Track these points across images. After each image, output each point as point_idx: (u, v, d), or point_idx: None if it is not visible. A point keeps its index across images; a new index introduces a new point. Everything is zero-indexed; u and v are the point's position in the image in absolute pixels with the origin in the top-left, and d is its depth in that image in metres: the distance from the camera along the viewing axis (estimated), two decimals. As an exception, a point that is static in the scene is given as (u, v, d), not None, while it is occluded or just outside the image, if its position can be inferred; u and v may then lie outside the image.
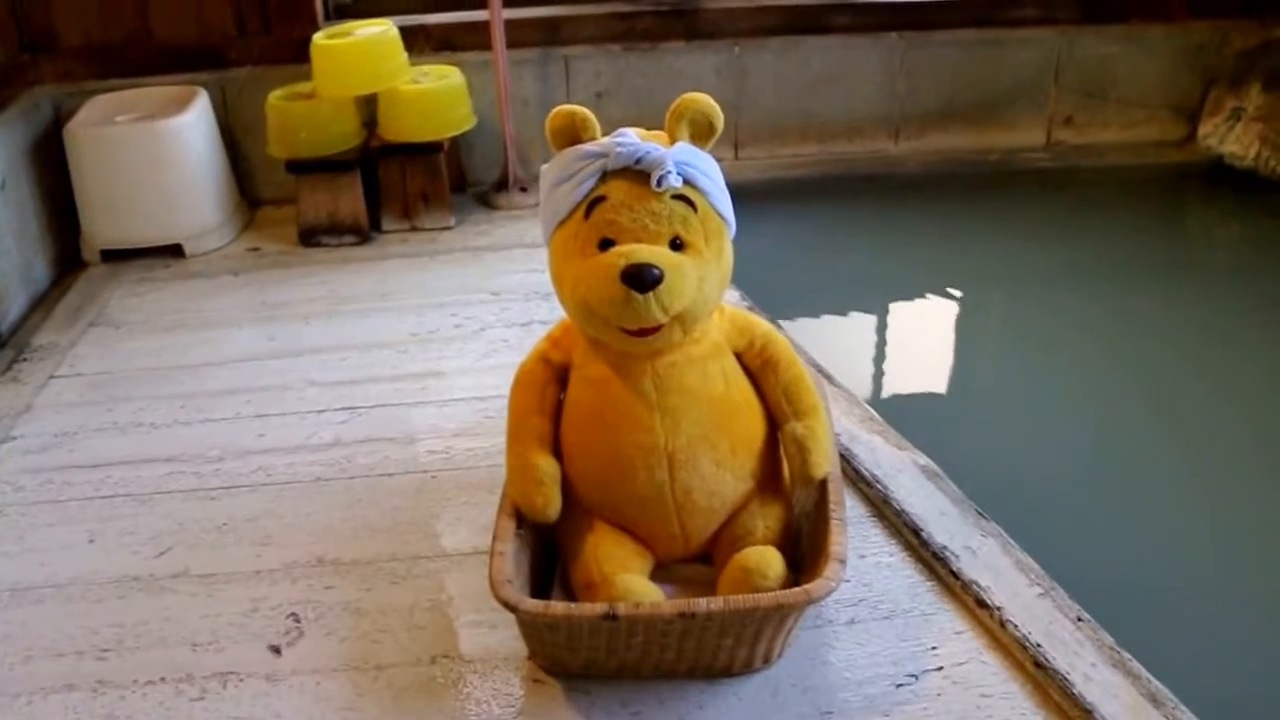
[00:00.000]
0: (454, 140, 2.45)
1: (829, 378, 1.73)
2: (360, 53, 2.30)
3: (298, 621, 1.31)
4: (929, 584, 1.32)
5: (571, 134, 1.22)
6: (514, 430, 1.28)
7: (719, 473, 1.24)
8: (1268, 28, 2.64)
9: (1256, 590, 1.45)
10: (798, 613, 1.15)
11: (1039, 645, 1.19)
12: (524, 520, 1.24)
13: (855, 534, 1.38)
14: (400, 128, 2.36)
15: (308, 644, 1.27)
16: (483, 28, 2.41)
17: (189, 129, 2.31)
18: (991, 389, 1.98)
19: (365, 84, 2.34)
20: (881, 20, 2.62)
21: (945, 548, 1.35)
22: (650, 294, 1.14)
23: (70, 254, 2.37)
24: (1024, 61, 2.68)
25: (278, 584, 1.37)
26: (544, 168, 1.27)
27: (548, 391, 1.29)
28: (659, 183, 1.17)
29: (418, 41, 2.49)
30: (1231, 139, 2.57)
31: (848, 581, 1.30)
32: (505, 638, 1.25)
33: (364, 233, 2.38)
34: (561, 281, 1.23)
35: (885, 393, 1.96)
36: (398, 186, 2.41)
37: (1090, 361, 2.01)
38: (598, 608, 1.11)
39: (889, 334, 2.16)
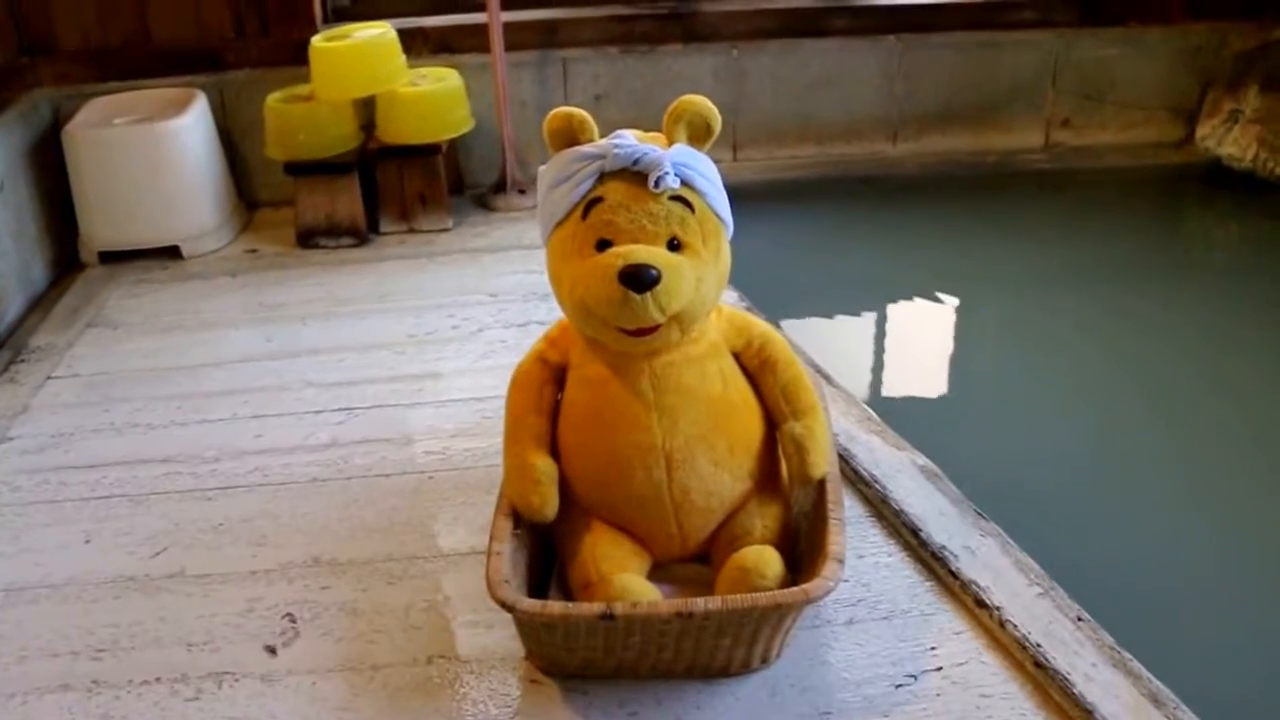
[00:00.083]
0: (452, 142, 2.45)
1: (827, 378, 1.73)
2: (358, 55, 2.30)
3: (293, 622, 1.30)
4: (928, 584, 1.32)
5: (569, 136, 1.22)
6: (511, 430, 1.28)
7: (717, 472, 1.24)
8: (1265, 30, 2.65)
9: (1257, 590, 1.44)
10: (796, 613, 1.15)
11: (1039, 645, 1.18)
12: (521, 520, 1.24)
13: (854, 534, 1.38)
14: (398, 130, 2.36)
15: (303, 644, 1.27)
16: (481, 30, 2.41)
17: (187, 131, 2.31)
18: (990, 389, 1.98)
19: (363, 86, 2.34)
20: (879, 23, 2.62)
21: (944, 548, 1.34)
22: (648, 294, 1.14)
23: (68, 255, 2.36)
24: (1022, 64, 2.68)
25: (274, 584, 1.37)
26: (541, 169, 1.27)
27: (545, 391, 1.29)
28: (656, 184, 1.17)
29: (416, 44, 2.49)
30: (1229, 141, 2.57)
31: (846, 581, 1.30)
32: (502, 638, 1.25)
33: (362, 234, 2.38)
34: (559, 282, 1.23)
35: (884, 393, 1.96)
36: (396, 188, 2.41)
37: (1089, 362, 2.00)
38: (595, 607, 1.11)
39: (887, 334, 2.16)
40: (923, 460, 1.53)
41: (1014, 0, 2.62)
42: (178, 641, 1.28)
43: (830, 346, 2.02)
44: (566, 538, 1.27)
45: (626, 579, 1.18)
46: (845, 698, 1.16)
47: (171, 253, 2.34)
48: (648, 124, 1.29)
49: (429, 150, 2.37)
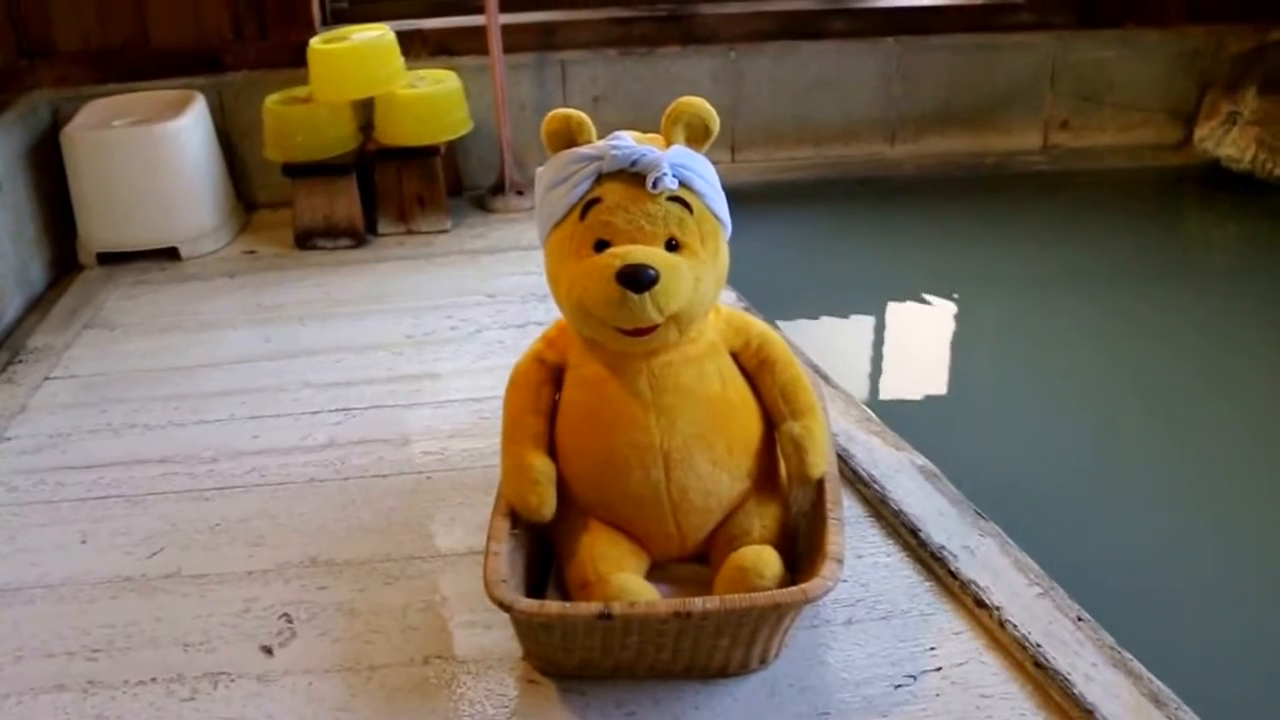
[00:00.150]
0: (450, 144, 2.45)
1: (826, 378, 1.72)
2: (357, 57, 2.30)
3: (290, 622, 1.30)
4: (927, 584, 1.32)
5: (567, 137, 1.22)
6: (509, 430, 1.28)
7: (715, 472, 1.24)
8: (1263, 32, 2.65)
9: (1257, 590, 1.44)
10: (794, 613, 1.14)
11: (1039, 645, 1.18)
12: (519, 520, 1.23)
13: (853, 534, 1.38)
14: (397, 132, 2.36)
15: (300, 644, 1.26)
16: (479, 32, 2.41)
17: (186, 133, 2.31)
18: (989, 390, 1.97)
19: (362, 88, 2.34)
20: (877, 25, 2.63)
21: (943, 548, 1.34)
22: (646, 294, 1.14)
23: (66, 257, 2.36)
24: (1020, 66, 2.68)
25: (270, 584, 1.36)
26: (539, 170, 1.27)
27: (543, 391, 1.29)
28: (654, 184, 1.17)
29: (414, 46, 2.49)
30: (1228, 142, 2.57)
31: (845, 581, 1.29)
32: (500, 638, 1.24)
33: (360, 236, 2.38)
34: (557, 282, 1.23)
35: (883, 394, 1.96)
36: (394, 190, 2.41)
37: (1088, 363, 2.00)
38: (593, 607, 1.10)
39: (886, 335, 2.16)
40: (922, 460, 1.52)
41: (1012, 2, 2.63)
42: (174, 642, 1.28)
43: (829, 347, 2.02)
44: (564, 538, 1.27)
45: (624, 579, 1.18)
46: (844, 698, 1.16)
47: (170, 254, 2.34)
48: (646, 125, 1.29)
49: (427, 152, 2.38)
